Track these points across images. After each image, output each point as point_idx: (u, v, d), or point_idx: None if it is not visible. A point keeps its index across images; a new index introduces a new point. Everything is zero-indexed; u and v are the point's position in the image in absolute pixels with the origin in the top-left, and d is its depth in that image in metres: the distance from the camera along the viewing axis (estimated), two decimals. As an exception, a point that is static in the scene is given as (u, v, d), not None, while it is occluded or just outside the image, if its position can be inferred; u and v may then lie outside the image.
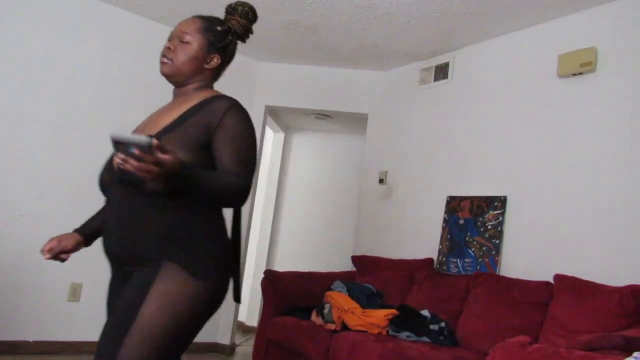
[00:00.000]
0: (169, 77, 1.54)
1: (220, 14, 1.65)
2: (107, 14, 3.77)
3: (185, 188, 1.31)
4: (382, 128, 4.37)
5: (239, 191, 1.39)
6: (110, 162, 1.44)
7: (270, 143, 5.90)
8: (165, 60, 1.52)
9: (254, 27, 1.66)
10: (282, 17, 3.61)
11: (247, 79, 4.48)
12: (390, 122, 4.31)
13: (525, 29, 3.38)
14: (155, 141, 1.15)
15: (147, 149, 1.13)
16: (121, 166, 1.15)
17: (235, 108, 1.46)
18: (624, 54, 2.81)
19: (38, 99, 3.51)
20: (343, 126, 5.67)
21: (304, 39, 3.98)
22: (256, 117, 4.55)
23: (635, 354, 1.41)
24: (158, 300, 1.29)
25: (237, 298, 1.57)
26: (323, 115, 5.18)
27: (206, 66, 1.55)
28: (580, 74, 2.97)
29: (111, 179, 1.42)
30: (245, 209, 4.47)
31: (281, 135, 5.93)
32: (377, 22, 3.55)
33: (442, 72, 3.92)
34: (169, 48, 1.52)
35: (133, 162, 1.13)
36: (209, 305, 1.39)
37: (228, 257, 1.46)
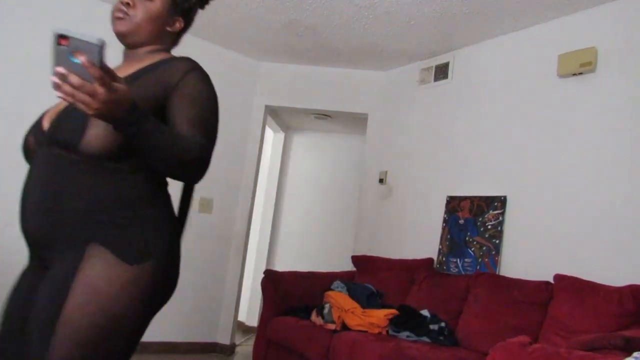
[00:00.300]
0: (124, 36, 1.33)
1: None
2: (107, 14, 3.75)
3: (132, 140, 1.09)
4: (382, 128, 4.37)
5: (196, 161, 1.17)
6: (38, 123, 1.27)
7: (270, 143, 5.91)
8: (121, 15, 1.31)
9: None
10: (282, 17, 3.61)
11: (247, 79, 4.48)
12: (390, 122, 4.31)
13: (525, 29, 3.38)
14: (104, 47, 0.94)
15: (97, 55, 0.93)
16: (57, 89, 0.96)
17: (199, 70, 1.29)
18: (624, 54, 2.81)
19: (38, 99, 3.49)
20: (343, 126, 5.67)
21: (304, 39, 3.98)
22: (256, 117, 4.56)
23: (635, 354, 1.41)
24: (84, 294, 1.09)
25: None
26: (323, 115, 5.18)
27: (169, 29, 1.37)
28: (580, 74, 2.97)
29: (38, 141, 1.23)
30: (245, 208, 4.49)
31: (281, 135, 5.93)
32: (377, 22, 3.55)
33: (442, 72, 3.92)
34: (127, 3, 1.31)
35: (75, 79, 0.95)
36: (149, 295, 1.17)
37: (173, 238, 1.25)
